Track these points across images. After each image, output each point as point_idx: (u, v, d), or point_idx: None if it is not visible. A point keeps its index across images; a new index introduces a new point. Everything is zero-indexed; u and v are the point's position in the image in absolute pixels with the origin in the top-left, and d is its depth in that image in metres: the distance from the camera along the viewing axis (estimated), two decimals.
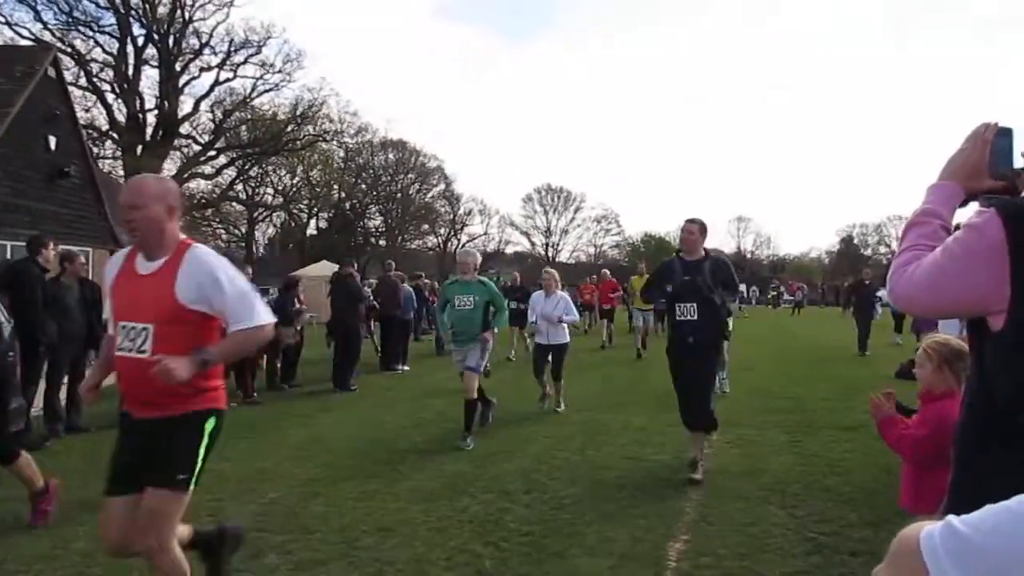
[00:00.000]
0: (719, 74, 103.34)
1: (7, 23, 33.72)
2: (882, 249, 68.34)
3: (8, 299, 7.44)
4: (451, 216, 62.94)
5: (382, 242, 56.22)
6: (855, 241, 71.68)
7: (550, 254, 67.30)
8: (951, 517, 0.69)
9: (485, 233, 66.09)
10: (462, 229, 64.12)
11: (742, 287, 56.84)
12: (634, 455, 7.23)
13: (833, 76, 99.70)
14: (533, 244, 69.63)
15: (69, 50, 33.92)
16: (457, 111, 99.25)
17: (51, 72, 15.86)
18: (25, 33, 33.82)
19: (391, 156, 57.08)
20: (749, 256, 73.61)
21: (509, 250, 68.31)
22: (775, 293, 49.99)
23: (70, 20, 35.57)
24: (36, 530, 4.99)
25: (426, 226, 61.49)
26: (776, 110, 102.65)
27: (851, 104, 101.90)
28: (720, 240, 77.78)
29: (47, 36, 33.79)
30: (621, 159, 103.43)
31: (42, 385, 8.17)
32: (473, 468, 6.73)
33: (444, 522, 5.19)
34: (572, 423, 8.83)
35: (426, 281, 21.21)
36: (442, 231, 63.28)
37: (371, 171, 55.99)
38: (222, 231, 49.76)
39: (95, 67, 36.66)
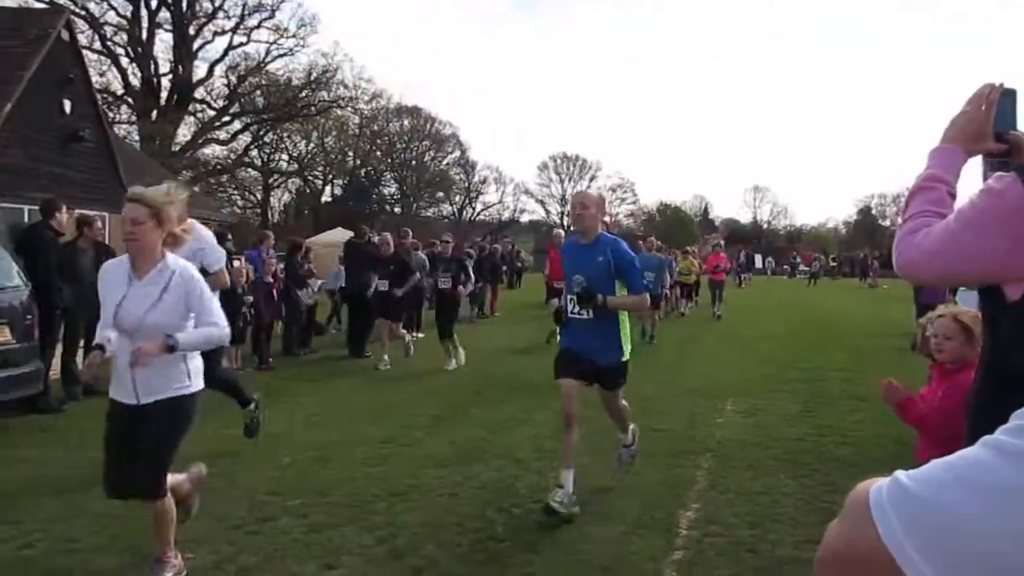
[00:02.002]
0: (738, 42, 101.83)
1: None
2: (900, 220, 67.59)
3: (23, 263, 7.51)
4: (466, 184, 62.71)
5: (397, 209, 56.15)
6: (873, 212, 70.93)
7: (565, 223, 67.06)
8: (898, 472, 0.74)
9: (500, 201, 65.73)
10: (477, 197, 63.92)
11: (756, 257, 56.81)
12: (645, 423, 7.20)
13: (852, 44, 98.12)
14: (548, 212, 69.30)
15: (83, 13, 33.80)
16: (472, 77, 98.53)
17: (64, 35, 15.78)
18: None
19: (406, 123, 56.83)
20: (766, 226, 73.08)
21: (524, 218, 68.11)
22: (833, 264, 48.66)
23: None
24: (55, 492, 5.05)
25: (441, 193, 61.35)
26: (795, 78, 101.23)
27: (871, 72, 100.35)
28: (736, 210, 77.29)
29: None
30: (637, 127, 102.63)
31: (59, 349, 8.24)
32: (485, 436, 6.76)
33: (456, 488, 5.23)
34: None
35: (440, 249, 21.16)
36: (457, 199, 63.11)
37: (386, 138, 55.81)
38: (237, 197, 49.83)
39: (109, 30, 36.62)
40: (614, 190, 69.29)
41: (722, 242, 24.50)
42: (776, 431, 6.99)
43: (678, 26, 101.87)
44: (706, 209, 74.28)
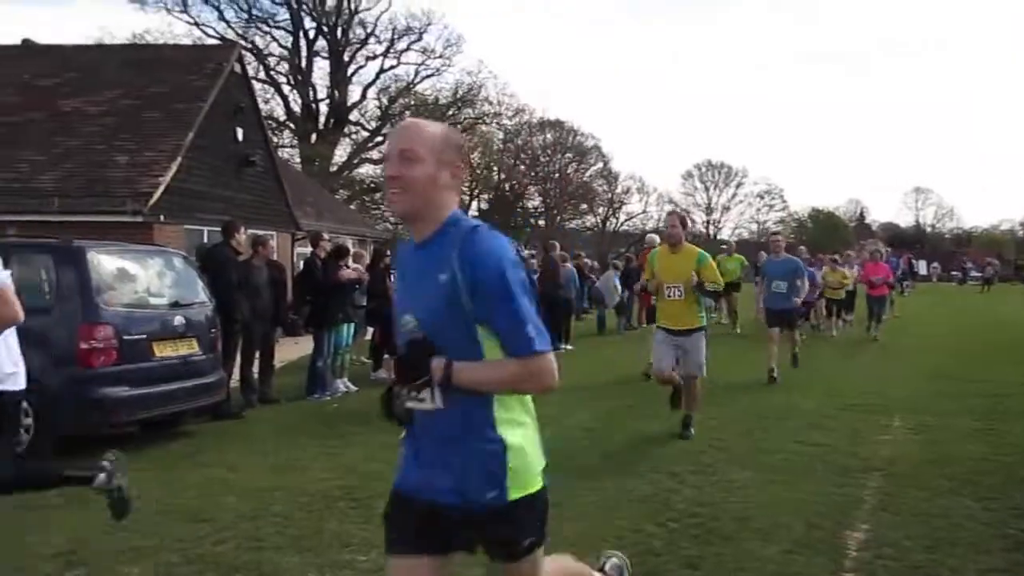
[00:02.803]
0: (892, 39, 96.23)
1: (195, 23, 36.82)
2: None
3: (207, 280, 8.18)
4: (609, 195, 62.51)
5: (541, 222, 56.77)
6: None
7: (711, 231, 65.56)
8: None
9: (644, 211, 65.03)
10: (620, 207, 63.54)
11: (920, 263, 53.20)
12: (804, 439, 6.97)
13: (1016, 27, 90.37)
14: (693, 221, 68.04)
15: (249, 46, 36.47)
16: (614, 87, 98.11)
17: (236, 68, 17.09)
18: (210, 32, 36.75)
19: (549, 136, 57.39)
20: (929, 230, 68.55)
21: None
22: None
23: (249, 17, 38.37)
24: (241, 493, 5.46)
25: (584, 205, 61.46)
26: (956, 71, 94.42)
27: None
28: (896, 213, 72.91)
29: (230, 34, 36.54)
30: (785, 131, 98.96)
31: (238, 359, 8.88)
32: (638, 448, 6.74)
33: (611, 501, 5.24)
34: (737, 405, 8.62)
35: (587, 260, 21.41)
36: (600, 210, 63.01)
37: (529, 152, 56.57)
38: (389, 214, 51.96)
39: (272, 61, 39.35)
40: (762, 196, 67.29)
41: (882, 248, 19.66)
42: (952, 450, 6.55)
43: (823, 22, 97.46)
44: (862, 214, 70.62)
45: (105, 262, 6.94)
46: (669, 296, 6.95)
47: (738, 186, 67.19)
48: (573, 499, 5.23)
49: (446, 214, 2.21)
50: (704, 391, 7.40)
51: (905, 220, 69.78)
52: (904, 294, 33.48)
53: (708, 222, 67.35)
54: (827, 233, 58.34)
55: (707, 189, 67.66)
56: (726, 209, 67.38)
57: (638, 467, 6.07)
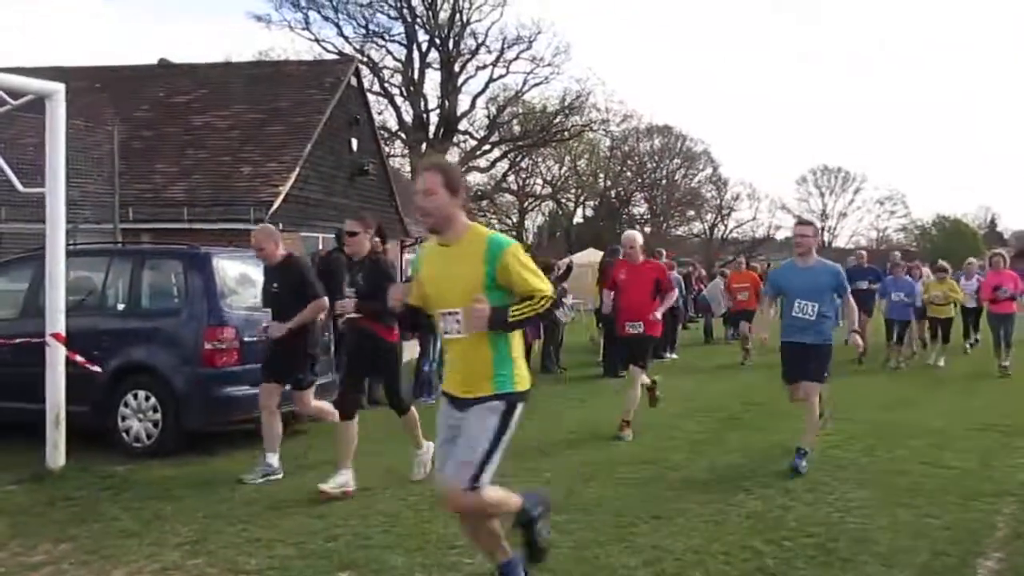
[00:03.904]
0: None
1: (316, 40, 38.42)
2: None
3: (323, 285, 8.44)
4: (718, 201, 61.15)
5: (647, 229, 56.10)
6: None
7: (826, 239, 63.19)
8: None
9: (754, 218, 63.24)
10: (729, 214, 62.00)
11: None
12: (932, 460, 6.59)
13: None
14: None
15: (366, 60, 37.68)
16: (727, 91, 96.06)
17: (353, 81, 17.72)
18: (329, 47, 38.23)
19: (656, 142, 56.66)
20: None
21: (780, 235, 65.04)
22: None
23: (366, 33, 39.69)
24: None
25: (692, 212, 60.34)
26: None
27: None
28: None
29: (348, 48, 37.88)
30: (908, 133, 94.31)
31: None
32: (747, 462, 6.54)
33: (720, 515, 5.10)
34: (857, 421, 8.22)
35: (692, 269, 21.10)
36: (708, 217, 61.71)
37: (636, 158, 56.03)
38: (495, 221, 52.52)
39: (386, 73, 40.51)
40: (882, 203, 64.39)
41: (1005, 254, 13.97)
42: None
43: (953, 16, 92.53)
44: (993, 221, 66.56)
45: (229, 268, 7.29)
46: (446, 332, 3.53)
47: (856, 192, 64.56)
48: (679, 512, 5.14)
49: None
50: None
51: None
52: None
53: (823, 229, 64.94)
54: (954, 241, 55.20)
55: (822, 195, 65.31)
56: (843, 216, 64.88)
57: (747, 482, 5.88)
